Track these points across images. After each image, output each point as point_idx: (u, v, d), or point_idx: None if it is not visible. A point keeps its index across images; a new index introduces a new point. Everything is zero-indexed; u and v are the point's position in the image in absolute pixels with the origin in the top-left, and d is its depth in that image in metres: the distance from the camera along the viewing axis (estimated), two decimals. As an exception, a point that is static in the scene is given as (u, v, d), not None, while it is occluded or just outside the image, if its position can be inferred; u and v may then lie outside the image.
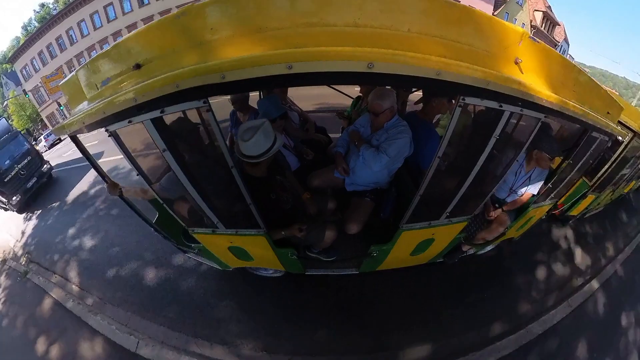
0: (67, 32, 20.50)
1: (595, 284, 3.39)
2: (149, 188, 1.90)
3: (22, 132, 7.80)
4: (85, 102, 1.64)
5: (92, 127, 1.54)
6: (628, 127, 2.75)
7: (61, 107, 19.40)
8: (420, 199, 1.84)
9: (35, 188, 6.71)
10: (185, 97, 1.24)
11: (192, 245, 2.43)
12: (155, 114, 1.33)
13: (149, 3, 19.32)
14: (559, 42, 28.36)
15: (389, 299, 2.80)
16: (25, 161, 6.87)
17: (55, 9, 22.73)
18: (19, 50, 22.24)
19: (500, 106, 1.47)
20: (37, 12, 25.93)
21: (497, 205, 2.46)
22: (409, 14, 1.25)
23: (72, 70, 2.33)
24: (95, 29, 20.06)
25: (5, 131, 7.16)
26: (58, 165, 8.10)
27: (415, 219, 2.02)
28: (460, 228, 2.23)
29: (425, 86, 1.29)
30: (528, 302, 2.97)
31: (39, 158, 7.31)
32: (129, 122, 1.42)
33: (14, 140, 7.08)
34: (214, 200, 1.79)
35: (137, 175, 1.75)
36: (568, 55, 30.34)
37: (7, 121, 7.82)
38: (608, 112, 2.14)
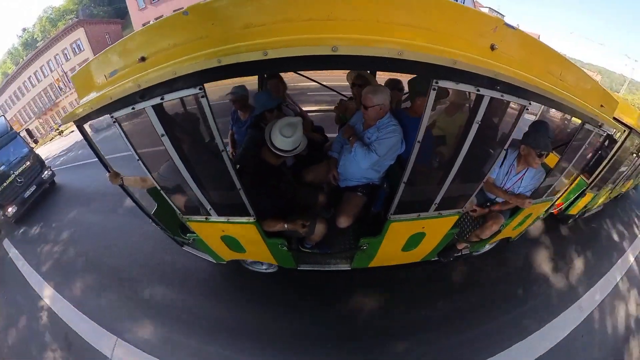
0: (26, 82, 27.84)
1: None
2: (148, 177, 2.11)
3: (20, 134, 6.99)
4: (94, 92, 1.88)
5: (99, 112, 1.77)
6: (624, 124, 2.83)
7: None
8: (406, 188, 1.98)
9: (34, 197, 6.17)
10: (183, 84, 1.45)
11: (187, 235, 2.60)
12: (156, 100, 1.55)
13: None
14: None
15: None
16: (23, 167, 6.28)
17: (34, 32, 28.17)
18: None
19: (478, 90, 1.56)
20: (20, 36, 29.98)
21: (488, 204, 2.55)
22: (379, 5, 1.41)
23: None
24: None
25: (2, 132, 6.46)
26: (56, 165, 7.84)
27: (404, 210, 2.15)
28: (452, 222, 2.35)
29: (391, 67, 1.42)
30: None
31: (39, 163, 6.71)
32: (132, 108, 1.64)
33: (11, 142, 6.44)
34: (206, 186, 1.99)
35: (138, 160, 1.95)
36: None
37: (6, 119, 7.03)
38: (602, 105, 2.23)
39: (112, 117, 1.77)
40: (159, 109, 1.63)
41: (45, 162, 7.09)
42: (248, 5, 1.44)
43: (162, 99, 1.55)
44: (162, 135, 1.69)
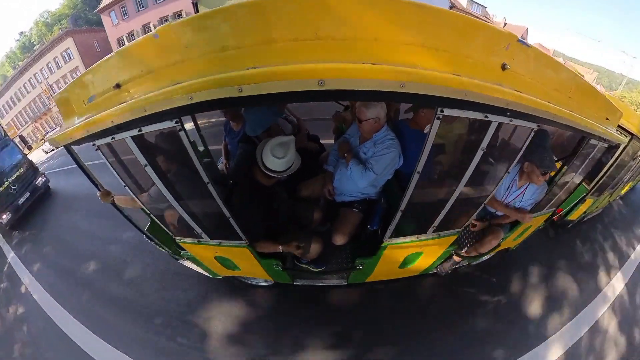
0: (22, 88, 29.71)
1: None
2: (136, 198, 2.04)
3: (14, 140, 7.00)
4: (75, 117, 1.79)
5: (80, 141, 1.68)
6: (626, 130, 2.72)
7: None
8: (403, 214, 1.89)
9: (28, 204, 6.16)
10: (158, 118, 1.36)
11: (181, 252, 2.56)
12: (134, 132, 1.46)
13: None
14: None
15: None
16: (17, 174, 6.25)
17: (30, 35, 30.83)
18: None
19: (486, 117, 1.43)
20: (17, 40, 32.20)
21: (487, 217, 2.47)
22: (375, 22, 1.24)
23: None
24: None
25: None
26: (49, 167, 7.87)
27: (401, 234, 2.07)
28: (450, 242, 2.28)
29: (393, 99, 1.28)
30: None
31: (32, 170, 6.69)
32: (112, 138, 1.55)
33: (5, 149, 6.39)
34: (195, 213, 1.91)
35: (125, 186, 1.87)
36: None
37: (0, 125, 7.07)
38: (607, 118, 2.12)
39: (94, 144, 1.69)
40: (139, 140, 1.54)
41: (39, 168, 7.09)
42: (223, 25, 1.29)
43: (139, 130, 1.46)
44: (145, 165, 1.61)
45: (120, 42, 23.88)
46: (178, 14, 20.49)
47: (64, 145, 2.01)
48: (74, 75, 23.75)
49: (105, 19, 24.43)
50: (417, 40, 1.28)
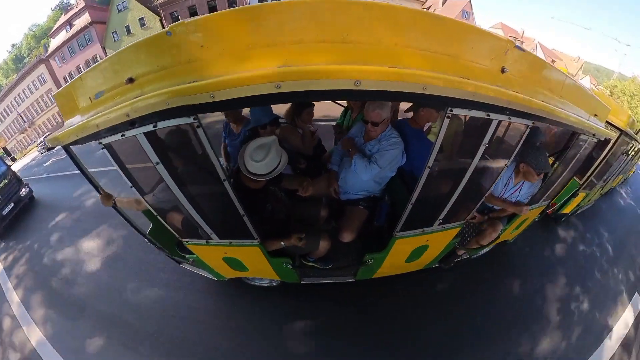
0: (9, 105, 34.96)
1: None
2: (143, 199, 1.92)
3: None
4: (79, 116, 1.67)
5: (85, 139, 1.56)
6: (614, 126, 2.85)
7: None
8: (412, 207, 1.89)
9: (12, 215, 5.92)
10: (177, 113, 1.28)
11: (187, 256, 2.43)
12: (148, 128, 1.37)
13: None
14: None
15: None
16: (1, 185, 6.04)
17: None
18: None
19: (488, 115, 1.54)
20: (10, 52, 35.82)
21: (486, 211, 2.52)
22: (394, 29, 1.32)
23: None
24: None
25: None
26: (32, 173, 7.58)
27: (409, 227, 2.06)
28: (454, 234, 2.29)
29: (413, 100, 1.34)
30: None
31: (16, 180, 6.46)
32: (122, 135, 1.45)
33: None
34: (207, 212, 1.82)
35: (131, 187, 1.76)
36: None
37: None
38: (595, 115, 2.23)
39: (100, 143, 1.58)
40: (151, 136, 1.45)
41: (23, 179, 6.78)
42: (251, 22, 1.24)
43: (154, 126, 1.37)
44: (157, 163, 1.51)
45: (65, 79, 28.63)
46: (94, 58, 27.07)
47: (63, 146, 1.87)
48: (49, 95, 29.42)
49: (52, 63, 29.97)
50: (428, 46, 1.38)
